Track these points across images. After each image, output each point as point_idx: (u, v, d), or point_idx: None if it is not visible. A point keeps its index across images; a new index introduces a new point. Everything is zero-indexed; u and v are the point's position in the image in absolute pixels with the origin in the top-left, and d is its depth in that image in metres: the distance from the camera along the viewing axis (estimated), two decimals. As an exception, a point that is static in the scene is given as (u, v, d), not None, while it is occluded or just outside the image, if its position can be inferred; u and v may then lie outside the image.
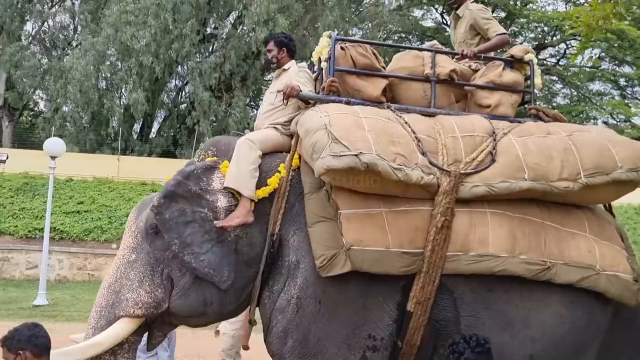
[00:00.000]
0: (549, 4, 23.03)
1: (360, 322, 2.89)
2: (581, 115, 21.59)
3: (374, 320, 2.90)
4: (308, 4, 18.03)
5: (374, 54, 3.37)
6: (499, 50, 3.88)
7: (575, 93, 23.42)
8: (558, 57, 23.19)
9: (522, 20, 22.57)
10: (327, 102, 3.14)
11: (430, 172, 2.87)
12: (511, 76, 3.47)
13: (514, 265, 2.86)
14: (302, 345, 2.90)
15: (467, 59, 3.58)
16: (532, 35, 23.67)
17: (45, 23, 21.30)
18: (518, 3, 22.51)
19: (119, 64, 17.43)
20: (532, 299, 2.93)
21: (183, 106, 21.04)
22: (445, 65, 3.37)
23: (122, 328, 2.96)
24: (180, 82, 21.40)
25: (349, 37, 3.48)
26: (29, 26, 21.40)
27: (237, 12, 18.22)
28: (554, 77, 23.09)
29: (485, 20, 3.83)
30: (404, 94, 3.39)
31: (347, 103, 3.14)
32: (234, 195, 3.08)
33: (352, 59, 3.28)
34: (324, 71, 3.36)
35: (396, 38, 24.97)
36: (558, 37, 21.91)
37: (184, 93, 21.57)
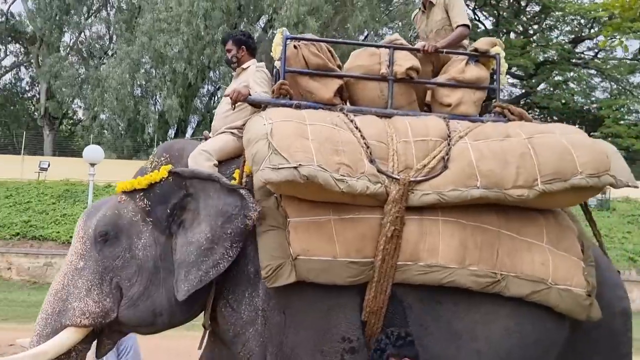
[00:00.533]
0: (585, -4, 22.41)
1: (329, 326, 2.78)
2: (622, 109, 20.91)
3: (344, 321, 2.79)
4: (338, 5, 18.00)
5: (330, 52, 3.23)
6: (467, 43, 3.57)
7: (615, 86, 22.69)
8: (596, 50, 22.51)
9: (557, 13, 22.02)
10: (277, 105, 3.02)
11: (378, 181, 2.74)
12: (474, 72, 3.24)
13: (463, 277, 2.75)
14: (278, 357, 2.83)
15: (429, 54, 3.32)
16: (569, 28, 23.09)
17: (82, 34, 21.95)
18: (553, -4, 21.97)
19: (153, 72, 17.80)
20: (480, 311, 2.81)
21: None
22: (402, 63, 3.15)
23: (67, 337, 2.88)
24: (213, 87, 21.72)
25: (302, 36, 3.24)
26: (66, 37, 22.10)
27: (267, 15, 18.36)
28: (592, 71, 22.42)
29: (457, 8, 3.55)
30: (360, 94, 3.22)
31: (298, 107, 3.01)
32: None
33: (304, 59, 3.12)
34: (279, 71, 3.21)
35: (427, 36, 24.74)
36: (596, 29, 21.26)
37: (216, 98, 21.86)
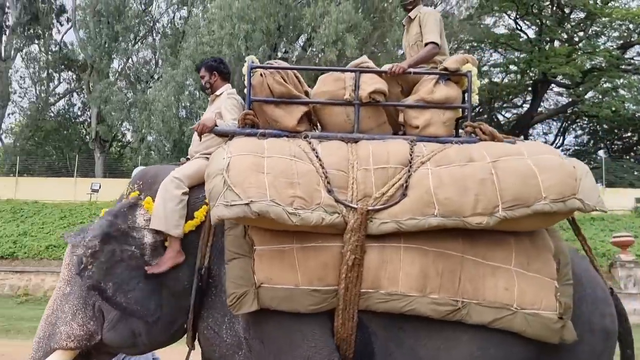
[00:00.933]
0: (633, 0, 21.70)
1: (309, 353, 2.78)
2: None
3: (325, 347, 2.78)
4: (376, 20, 18.06)
5: (297, 78, 3.23)
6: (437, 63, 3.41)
7: (669, 92, 21.75)
8: (647, 55, 21.71)
9: (604, 19, 21.38)
10: (242, 135, 3.04)
11: (335, 211, 2.75)
12: (443, 92, 3.15)
13: (423, 305, 2.72)
14: None
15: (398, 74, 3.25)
16: (617, 34, 22.35)
17: (130, 59, 22.81)
18: (598, 2, 21.36)
19: (197, 93, 18.27)
20: (441, 337, 2.77)
21: (258, 129, 21.63)
22: (365, 87, 3.11)
23: None
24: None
25: (266, 65, 3.22)
26: (115, 63, 23.03)
27: (306, 34, 18.60)
28: (644, 77, 21.58)
29: (428, 25, 3.48)
30: (328, 119, 3.20)
31: (262, 135, 3.03)
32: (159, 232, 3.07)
33: (269, 87, 3.12)
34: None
35: (467, 47, 24.42)
36: (645, 33, 20.53)
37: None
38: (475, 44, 24.04)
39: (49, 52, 24.62)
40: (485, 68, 25.02)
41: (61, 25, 24.93)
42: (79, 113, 27.89)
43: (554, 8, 22.76)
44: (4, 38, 23.70)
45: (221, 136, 3.13)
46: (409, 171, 2.84)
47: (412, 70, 3.26)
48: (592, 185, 2.76)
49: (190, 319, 3.04)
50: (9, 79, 23.68)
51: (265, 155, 2.84)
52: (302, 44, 19.96)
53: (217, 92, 3.57)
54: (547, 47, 22.41)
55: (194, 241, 3.08)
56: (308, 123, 3.23)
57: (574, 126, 26.29)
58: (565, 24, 22.85)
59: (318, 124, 3.30)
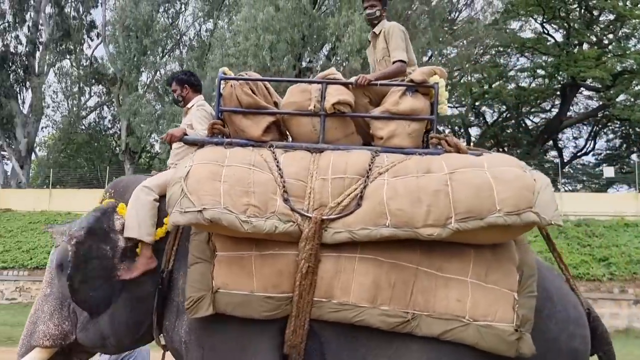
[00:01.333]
0: (664, 0, 21.17)
1: None
2: None
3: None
4: (400, 28, 18.04)
5: (267, 89, 3.31)
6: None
7: None
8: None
9: (634, 21, 20.91)
10: (211, 144, 3.14)
11: (290, 219, 2.81)
12: (409, 103, 3.15)
13: (372, 317, 2.73)
14: None
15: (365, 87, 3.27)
16: (648, 35, 21.84)
17: (158, 72, 23.23)
18: (628, 3, 20.91)
19: (224, 104, 18.48)
20: (392, 347, 2.76)
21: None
22: (330, 98, 3.16)
23: (34, 357, 3.24)
24: (280, 116, 22.18)
25: (236, 76, 3.32)
26: (144, 77, 23.48)
27: (330, 44, 18.68)
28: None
29: (393, 42, 3.52)
30: (295, 130, 3.27)
31: (229, 144, 3.12)
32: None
33: (237, 98, 3.21)
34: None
35: (493, 53, 24.18)
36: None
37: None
38: (502, 49, 23.78)
39: (80, 67, 25.27)
40: (512, 73, 24.72)
41: (91, 40, 25.59)
42: (109, 125, 28.53)
43: (582, 11, 22.37)
44: (38, 54, 24.43)
45: (191, 145, 3.25)
46: (365, 182, 2.87)
47: (378, 81, 3.30)
48: (550, 198, 2.71)
49: (154, 321, 3.15)
50: (43, 94, 24.37)
51: (225, 164, 2.92)
52: (326, 53, 20.06)
53: (189, 105, 3.70)
54: (575, 51, 22.01)
55: (162, 247, 3.19)
56: (278, 133, 3.32)
57: (605, 130, 25.69)
58: (594, 26, 22.43)
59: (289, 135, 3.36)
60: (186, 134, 3.30)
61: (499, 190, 2.68)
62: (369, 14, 3.73)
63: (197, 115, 3.50)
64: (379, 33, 3.63)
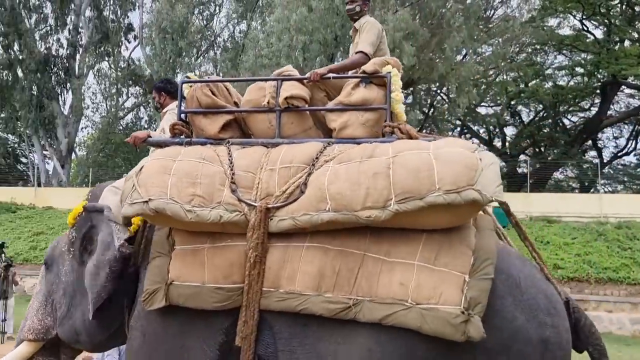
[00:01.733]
0: None
1: (180, 358, 2.91)
2: None
3: (197, 354, 2.90)
4: (434, 27, 17.86)
5: (228, 90, 3.40)
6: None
7: None
8: None
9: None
10: (172, 144, 3.26)
11: (236, 209, 2.85)
12: (361, 94, 3.13)
13: (316, 304, 2.72)
14: None
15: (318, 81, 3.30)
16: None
17: (193, 73, 23.61)
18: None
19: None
20: (342, 332, 2.72)
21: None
22: (283, 94, 3.19)
23: (21, 350, 3.47)
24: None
25: (197, 79, 3.45)
26: (179, 78, 23.89)
27: (363, 43, 18.64)
28: None
29: (363, 35, 3.56)
30: (253, 127, 3.34)
31: (188, 144, 3.23)
32: None
33: (197, 99, 3.30)
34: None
35: (530, 51, 23.70)
36: None
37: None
38: (539, 47, 23.30)
39: (118, 69, 25.93)
40: (549, 71, 24.18)
41: (129, 42, 26.23)
42: (146, 126, 29.11)
43: (624, 7, 21.69)
44: (78, 56, 25.18)
45: (155, 147, 3.41)
46: (310, 169, 2.88)
47: (331, 75, 3.34)
48: (494, 176, 2.62)
49: (126, 316, 3.26)
50: (82, 95, 25.10)
51: (177, 160, 3.02)
52: (359, 53, 20.00)
53: (165, 110, 3.95)
54: (616, 48, 21.37)
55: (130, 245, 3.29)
56: (238, 131, 3.39)
57: (647, 129, 24.88)
58: (636, 22, 21.72)
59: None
60: (150, 136, 3.46)
61: (440, 169, 2.62)
62: (349, 9, 3.81)
63: (167, 119, 3.71)
64: (359, 28, 3.70)
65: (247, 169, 3.00)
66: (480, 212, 3.00)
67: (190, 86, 3.38)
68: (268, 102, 3.23)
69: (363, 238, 2.80)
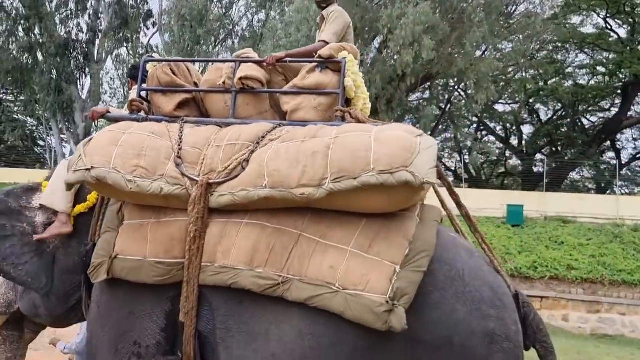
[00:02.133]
0: None
1: (127, 329, 2.96)
2: None
3: (139, 327, 2.94)
4: (454, 21, 17.69)
5: (189, 70, 3.51)
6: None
7: None
8: None
9: None
10: (130, 120, 3.31)
11: (178, 183, 2.89)
12: (315, 78, 3.18)
13: (246, 279, 2.72)
14: (89, 346, 3.17)
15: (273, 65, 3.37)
16: None
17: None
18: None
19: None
20: (274, 311, 2.71)
21: (331, 131, 21.80)
22: (238, 74, 3.27)
23: None
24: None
25: (160, 59, 3.60)
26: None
27: (382, 36, 18.53)
28: None
29: (329, 25, 3.62)
30: (210, 107, 3.40)
31: (145, 120, 3.30)
32: (55, 213, 3.40)
33: (157, 78, 3.39)
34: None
35: (551, 48, 23.37)
36: None
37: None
38: (560, 45, 22.97)
39: (137, 55, 26.05)
40: (569, 70, 23.85)
41: (147, 29, 26.28)
42: (162, 113, 29.34)
43: (649, 6, 21.29)
44: (97, 42, 25.34)
45: (112, 122, 3.46)
46: (255, 147, 2.92)
47: (288, 59, 3.40)
48: (428, 159, 2.60)
49: (84, 293, 3.32)
50: (101, 80, 25.29)
51: (127, 132, 3.07)
52: (377, 46, 19.91)
53: (130, 92, 4.10)
54: (639, 48, 21.00)
55: (87, 222, 3.37)
56: (196, 111, 3.45)
57: (668, 132, 24.46)
58: (662, 22, 21.33)
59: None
60: (109, 112, 3.54)
61: (377, 150, 2.61)
62: None
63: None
64: (325, 17, 3.76)
65: (195, 145, 3.04)
66: (430, 204, 3.01)
67: (155, 66, 3.47)
68: (224, 83, 3.29)
69: (302, 218, 2.81)
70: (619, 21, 22.10)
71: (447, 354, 2.56)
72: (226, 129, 3.14)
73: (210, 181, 2.87)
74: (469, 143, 22.45)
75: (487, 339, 2.57)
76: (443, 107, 23.22)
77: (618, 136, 24.43)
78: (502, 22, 19.77)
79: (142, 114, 3.41)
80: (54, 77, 23.69)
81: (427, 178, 2.54)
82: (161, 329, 2.94)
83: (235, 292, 2.79)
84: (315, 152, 2.72)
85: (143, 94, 3.50)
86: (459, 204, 3.05)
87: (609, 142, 24.42)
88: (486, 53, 19.79)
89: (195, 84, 3.50)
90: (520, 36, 20.07)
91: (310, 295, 2.61)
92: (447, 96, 23.33)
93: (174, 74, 3.41)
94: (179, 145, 3.02)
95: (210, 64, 3.71)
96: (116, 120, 3.43)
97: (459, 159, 24.00)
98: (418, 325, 2.55)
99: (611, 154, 25.22)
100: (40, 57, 23.77)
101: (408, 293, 2.50)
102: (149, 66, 3.50)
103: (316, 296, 2.60)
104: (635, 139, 24.99)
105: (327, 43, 3.48)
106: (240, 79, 3.25)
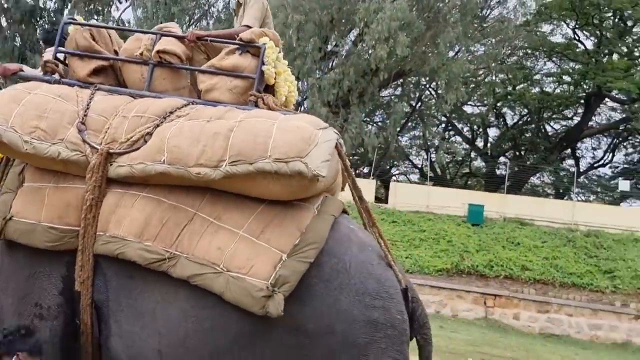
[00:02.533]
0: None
1: (28, 291, 2.91)
2: None
3: (39, 289, 2.90)
4: (429, 20, 17.88)
5: (110, 38, 3.44)
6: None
7: None
8: None
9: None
10: (42, 81, 3.21)
11: (77, 149, 2.86)
12: (233, 60, 3.19)
13: (132, 250, 2.72)
14: None
15: (193, 43, 3.34)
16: (680, 51, 21.43)
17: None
18: (664, 16, 20.50)
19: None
20: (162, 291, 2.73)
21: (301, 120, 21.74)
22: (157, 47, 3.22)
23: None
24: (300, 98, 22.19)
25: (79, 22, 3.45)
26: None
27: (358, 29, 18.58)
28: None
29: (249, 11, 3.57)
30: (126, 76, 3.35)
31: (57, 82, 3.20)
32: None
33: (76, 42, 3.31)
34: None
35: (521, 54, 23.88)
36: None
37: (302, 108, 22.33)
38: (530, 51, 23.48)
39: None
40: (537, 77, 24.42)
41: (119, 3, 25.58)
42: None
43: (616, 20, 21.97)
44: (66, 11, 24.54)
45: (24, 81, 3.35)
46: (160, 122, 2.90)
47: (208, 38, 3.37)
48: (323, 152, 2.66)
49: None
50: (68, 52, 24.50)
51: (32, 92, 3.00)
52: (353, 38, 19.95)
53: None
54: (604, 60, 21.67)
55: None
56: (114, 80, 3.38)
57: (625, 143, 25.37)
58: (627, 37, 22.04)
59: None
60: (22, 70, 3.42)
61: (276, 138, 2.65)
62: None
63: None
64: (242, 3, 3.71)
65: (101, 114, 2.99)
66: (332, 197, 3.02)
67: (76, 29, 3.37)
68: (141, 54, 3.24)
69: (200, 198, 2.82)
70: (586, 32, 22.73)
71: (329, 341, 2.63)
72: (137, 100, 3.10)
73: (111, 151, 2.85)
74: (436, 142, 22.77)
75: (369, 327, 2.65)
76: (413, 104, 23.47)
77: (578, 144, 25.22)
78: (476, 25, 20.11)
79: (56, 76, 3.29)
80: (18, 44, 22.86)
81: (317, 170, 2.59)
82: (59, 292, 2.91)
83: (127, 266, 2.78)
84: (216, 133, 2.74)
85: (60, 56, 3.39)
86: (360, 199, 3.08)
87: (569, 150, 25.18)
88: (459, 54, 20.07)
89: (116, 52, 3.43)
90: (493, 40, 20.45)
91: (193, 273, 2.63)
92: (418, 94, 23.58)
93: (93, 39, 3.33)
94: (85, 111, 2.97)
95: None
96: (27, 79, 3.32)
97: (425, 157, 24.35)
98: (301, 314, 2.61)
99: (571, 161, 26.03)
100: (4, 23, 22.89)
101: (290, 281, 2.55)
102: (71, 29, 3.38)
103: (199, 275, 2.62)
104: (594, 148, 25.87)
105: (250, 27, 3.44)
106: (158, 52, 3.21)
